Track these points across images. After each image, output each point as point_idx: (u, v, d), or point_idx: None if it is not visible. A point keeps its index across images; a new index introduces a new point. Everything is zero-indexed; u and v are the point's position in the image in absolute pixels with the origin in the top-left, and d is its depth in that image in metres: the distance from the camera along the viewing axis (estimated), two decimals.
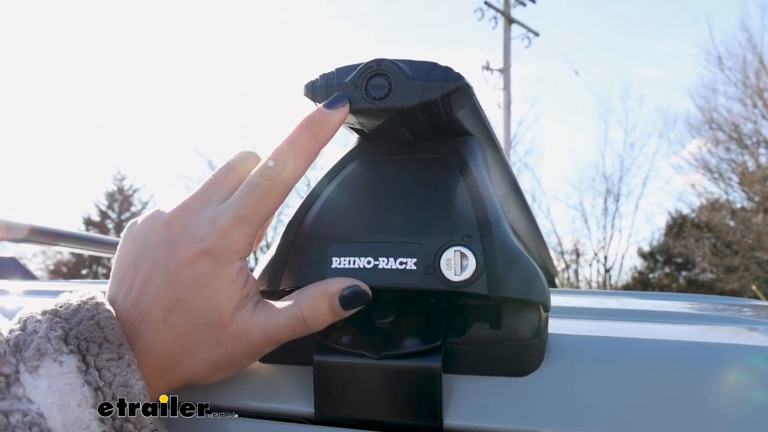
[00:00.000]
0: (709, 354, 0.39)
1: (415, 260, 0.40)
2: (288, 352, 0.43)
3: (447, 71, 0.39)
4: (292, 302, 0.40)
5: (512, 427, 0.39)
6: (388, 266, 0.40)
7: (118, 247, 0.42)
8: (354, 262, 0.41)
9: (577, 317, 0.56)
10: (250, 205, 0.39)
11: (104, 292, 0.41)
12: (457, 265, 0.40)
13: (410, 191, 0.43)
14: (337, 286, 0.40)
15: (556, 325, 0.45)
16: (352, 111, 0.41)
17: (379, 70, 0.40)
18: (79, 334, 0.37)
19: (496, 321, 0.41)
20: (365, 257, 0.41)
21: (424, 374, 0.39)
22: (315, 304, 0.39)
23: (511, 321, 0.40)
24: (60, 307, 0.39)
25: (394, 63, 0.40)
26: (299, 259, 0.43)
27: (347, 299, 0.39)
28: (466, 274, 0.39)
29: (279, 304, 0.40)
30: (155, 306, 0.38)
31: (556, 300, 0.73)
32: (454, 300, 0.42)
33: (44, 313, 0.38)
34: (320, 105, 0.41)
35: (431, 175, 0.44)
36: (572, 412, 0.38)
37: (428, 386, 0.39)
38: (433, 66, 0.40)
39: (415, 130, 0.44)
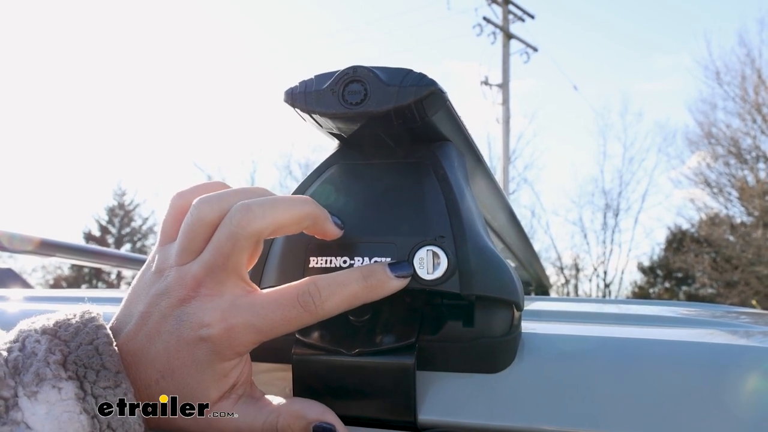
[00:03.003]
0: (675, 352, 0.41)
1: (389, 259, 0.41)
2: (268, 350, 0.44)
3: (420, 77, 0.41)
4: (272, 410, 0.40)
5: (485, 423, 0.40)
6: (363, 265, 0.41)
7: (137, 276, 0.42)
8: (330, 261, 0.42)
9: (561, 321, 0.57)
10: (271, 322, 0.38)
11: (104, 313, 0.41)
12: (430, 264, 0.41)
13: (386, 194, 0.45)
14: (315, 414, 0.40)
15: (535, 327, 0.46)
16: (330, 116, 0.42)
17: (355, 76, 0.41)
18: (78, 359, 0.37)
19: (469, 319, 0.42)
20: (341, 257, 0.42)
21: (398, 371, 0.40)
22: (291, 423, 0.39)
23: (484, 319, 0.42)
24: (59, 326, 0.39)
25: (369, 69, 0.41)
26: (279, 259, 0.44)
27: None
28: (439, 273, 0.41)
29: (259, 407, 0.40)
30: (152, 366, 0.39)
31: (553, 305, 0.74)
32: (429, 298, 0.44)
33: (43, 332, 0.38)
34: (387, 266, 0.41)
35: (407, 179, 0.45)
36: (543, 407, 0.39)
37: (402, 382, 0.40)
38: (407, 72, 0.41)
39: (393, 135, 0.45)
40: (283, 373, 0.44)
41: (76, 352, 0.37)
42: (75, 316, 0.40)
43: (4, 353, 0.37)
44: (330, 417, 0.40)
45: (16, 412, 0.34)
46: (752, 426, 0.36)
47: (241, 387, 0.40)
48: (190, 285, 0.39)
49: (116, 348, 0.38)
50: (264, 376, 0.45)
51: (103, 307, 0.45)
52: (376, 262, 0.42)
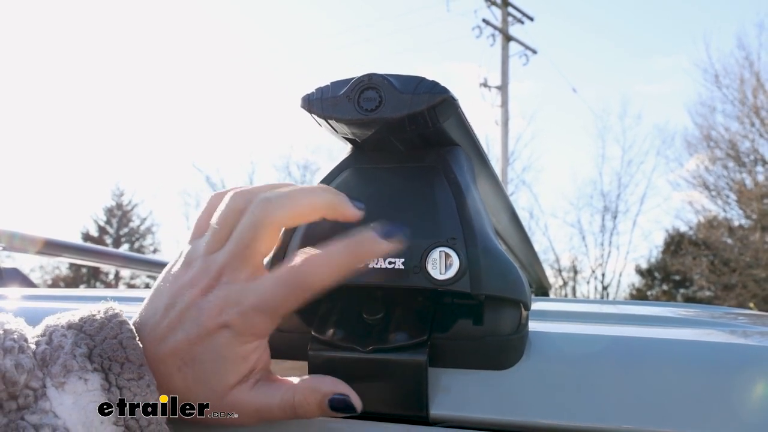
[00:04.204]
0: (677, 350, 0.42)
1: (402, 260, 0.43)
2: (284, 347, 0.46)
3: (433, 85, 0.42)
4: (288, 387, 0.42)
5: (494, 417, 0.42)
6: (378, 265, 0.43)
7: (164, 270, 0.44)
8: None
9: (565, 320, 0.58)
10: (272, 302, 0.40)
11: (127, 313, 0.43)
12: (442, 264, 0.42)
13: (399, 197, 0.46)
14: (330, 387, 0.41)
15: (541, 326, 0.48)
16: (345, 122, 0.44)
17: (370, 83, 0.43)
18: (103, 352, 0.39)
19: (479, 318, 0.43)
20: None
21: (411, 367, 0.42)
22: (307, 398, 0.41)
23: (493, 318, 0.43)
24: (84, 322, 0.41)
25: (384, 77, 0.43)
26: (298, 250, 0.45)
27: (335, 406, 0.41)
28: (450, 273, 0.42)
29: (276, 386, 0.42)
30: (174, 354, 0.40)
31: (555, 305, 0.76)
32: (440, 298, 0.45)
33: (69, 327, 0.40)
34: (376, 233, 0.41)
35: (419, 182, 0.47)
36: (549, 403, 0.41)
37: (415, 378, 0.42)
38: (420, 80, 0.43)
39: (404, 140, 0.47)
40: (299, 371, 0.46)
41: (101, 346, 0.39)
42: (99, 312, 0.41)
43: (33, 346, 0.39)
44: (343, 388, 0.41)
45: (44, 402, 0.36)
46: (752, 422, 0.38)
47: (258, 372, 0.42)
48: (213, 274, 0.41)
49: (139, 342, 0.40)
50: (280, 373, 0.46)
51: (121, 305, 0.46)
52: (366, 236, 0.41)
